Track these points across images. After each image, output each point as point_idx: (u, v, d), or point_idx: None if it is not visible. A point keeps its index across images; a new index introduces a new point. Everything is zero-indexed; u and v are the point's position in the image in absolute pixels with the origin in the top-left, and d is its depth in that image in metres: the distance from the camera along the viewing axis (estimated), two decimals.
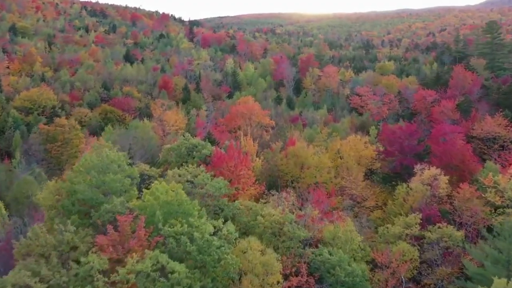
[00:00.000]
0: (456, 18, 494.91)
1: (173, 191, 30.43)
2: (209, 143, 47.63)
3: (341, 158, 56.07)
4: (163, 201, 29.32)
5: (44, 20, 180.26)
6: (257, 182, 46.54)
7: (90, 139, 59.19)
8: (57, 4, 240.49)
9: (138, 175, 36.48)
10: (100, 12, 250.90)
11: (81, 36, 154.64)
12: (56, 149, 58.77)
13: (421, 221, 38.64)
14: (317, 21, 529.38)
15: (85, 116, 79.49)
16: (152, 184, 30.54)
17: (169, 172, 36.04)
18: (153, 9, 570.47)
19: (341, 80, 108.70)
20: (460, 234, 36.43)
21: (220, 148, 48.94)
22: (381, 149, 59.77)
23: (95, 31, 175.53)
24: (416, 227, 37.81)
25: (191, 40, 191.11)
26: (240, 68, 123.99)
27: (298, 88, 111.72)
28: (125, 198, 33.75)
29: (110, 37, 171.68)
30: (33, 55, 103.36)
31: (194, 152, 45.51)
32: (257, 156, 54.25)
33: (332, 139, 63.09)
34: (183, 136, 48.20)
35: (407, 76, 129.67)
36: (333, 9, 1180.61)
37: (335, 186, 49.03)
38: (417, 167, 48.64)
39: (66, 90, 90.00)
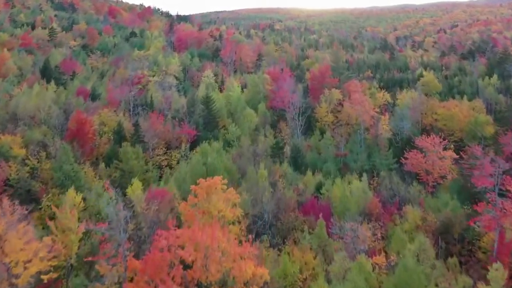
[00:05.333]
0: (465, 14, 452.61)
1: None
2: None
3: None
4: None
5: None
6: None
7: None
8: None
9: None
10: (69, 5, 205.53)
11: (12, 35, 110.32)
12: None
13: None
14: (318, 16, 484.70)
15: None
16: None
17: None
18: (138, 2, 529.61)
19: (377, 112, 64.98)
20: None
21: None
22: None
23: (43, 28, 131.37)
24: None
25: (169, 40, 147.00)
26: (221, 88, 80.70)
27: (308, 121, 68.40)
28: None
29: (62, 35, 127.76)
30: None
31: None
32: None
33: None
34: None
35: (460, 95, 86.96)
36: (332, 4, 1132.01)
37: None
38: None
39: None
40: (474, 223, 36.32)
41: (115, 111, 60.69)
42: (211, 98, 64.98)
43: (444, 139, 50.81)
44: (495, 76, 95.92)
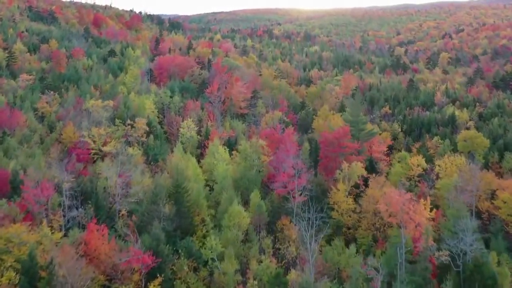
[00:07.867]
0: (469, 16, 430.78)
1: None
2: None
3: None
4: None
5: None
6: None
7: None
8: None
9: None
10: (49, 14, 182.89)
11: None
12: None
13: None
14: (318, 18, 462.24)
15: None
16: None
17: None
18: (133, 4, 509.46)
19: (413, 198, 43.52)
20: None
21: None
22: None
23: (4, 49, 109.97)
24: None
25: (153, 59, 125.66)
26: (204, 144, 59.99)
27: (320, 207, 47.48)
28: None
29: (25, 59, 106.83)
30: None
31: None
32: None
33: None
34: None
35: (509, 150, 66.79)
36: (332, 4, 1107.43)
37: None
38: None
39: None
40: None
41: (35, 222, 39.80)
42: (183, 187, 44.27)
43: None
44: None
